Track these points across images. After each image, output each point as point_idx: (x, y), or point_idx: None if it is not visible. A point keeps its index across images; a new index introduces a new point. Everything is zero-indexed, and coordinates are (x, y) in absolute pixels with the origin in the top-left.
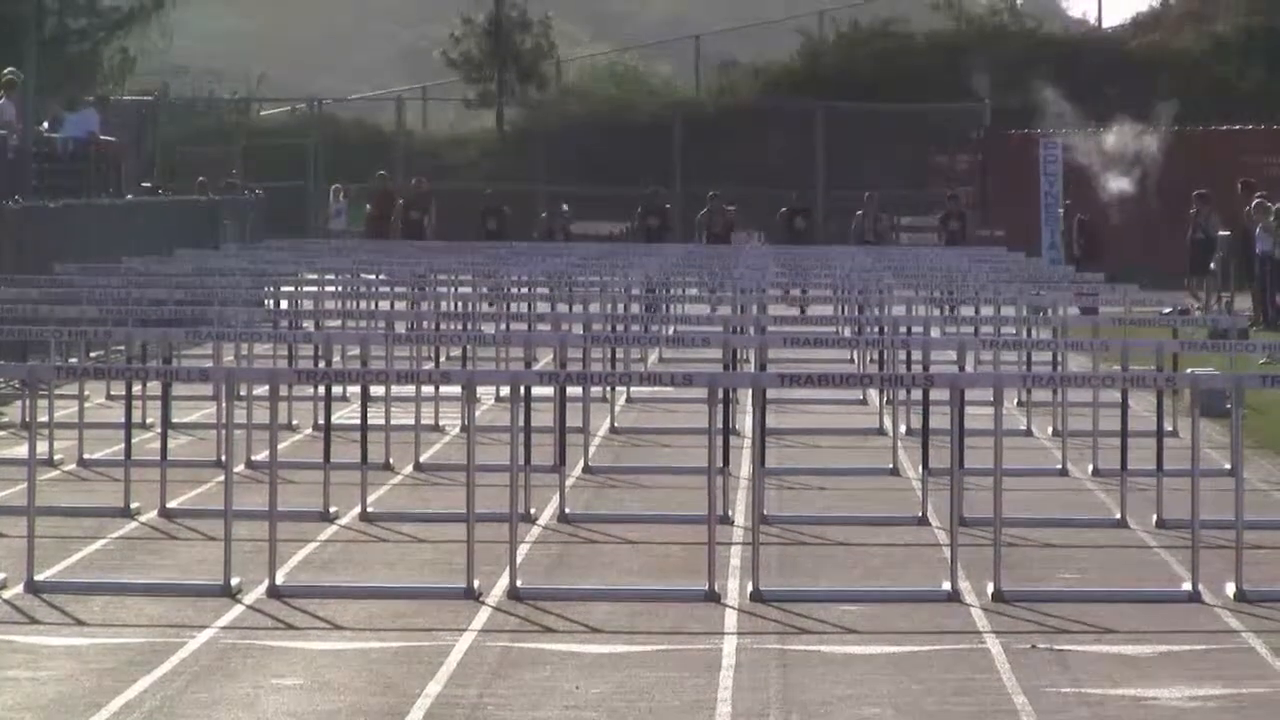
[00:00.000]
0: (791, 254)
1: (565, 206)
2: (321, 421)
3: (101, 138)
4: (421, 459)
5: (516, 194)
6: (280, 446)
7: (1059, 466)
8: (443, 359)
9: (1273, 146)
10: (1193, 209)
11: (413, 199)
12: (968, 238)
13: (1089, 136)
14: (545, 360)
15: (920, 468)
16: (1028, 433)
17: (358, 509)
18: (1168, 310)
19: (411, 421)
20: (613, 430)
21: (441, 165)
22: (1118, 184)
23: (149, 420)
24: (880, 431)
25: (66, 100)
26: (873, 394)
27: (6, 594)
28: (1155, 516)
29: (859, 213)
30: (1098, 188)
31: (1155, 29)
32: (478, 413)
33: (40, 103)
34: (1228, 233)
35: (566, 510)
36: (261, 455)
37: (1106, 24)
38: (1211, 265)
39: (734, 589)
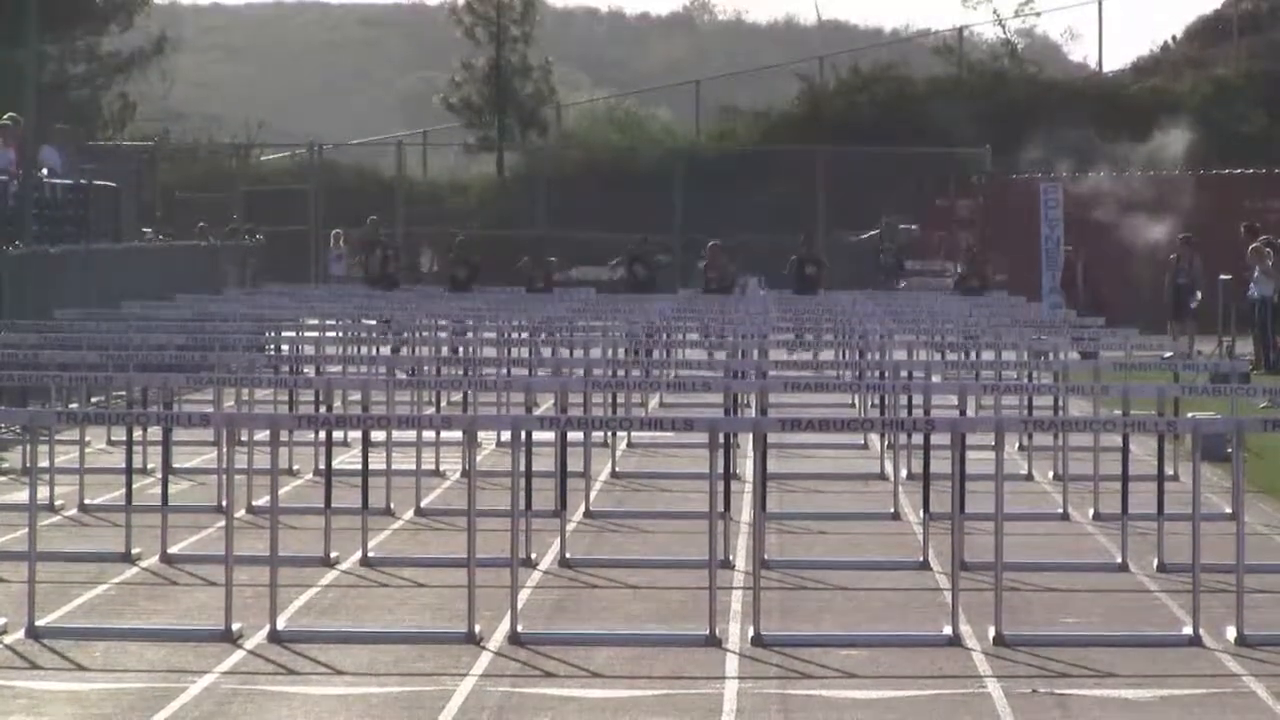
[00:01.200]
0: (793, 300)
1: (552, 259)
2: (322, 466)
3: (79, 181)
4: (422, 504)
5: (517, 240)
6: (281, 492)
7: (1060, 511)
8: (443, 404)
9: (1274, 191)
10: (1173, 254)
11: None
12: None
13: (1093, 180)
14: (546, 405)
15: (921, 512)
16: (1029, 477)
17: (359, 554)
18: (1169, 354)
19: (412, 467)
20: (614, 475)
21: (442, 210)
22: (1140, 229)
23: (150, 465)
24: (881, 476)
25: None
26: (874, 438)
27: (7, 639)
28: (1156, 560)
29: (881, 249)
30: (1108, 233)
31: (1156, 73)
32: (479, 458)
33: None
34: (1229, 276)
35: (567, 555)
36: (262, 500)
37: (1107, 68)
38: (1193, 305)
39: (735, 633)
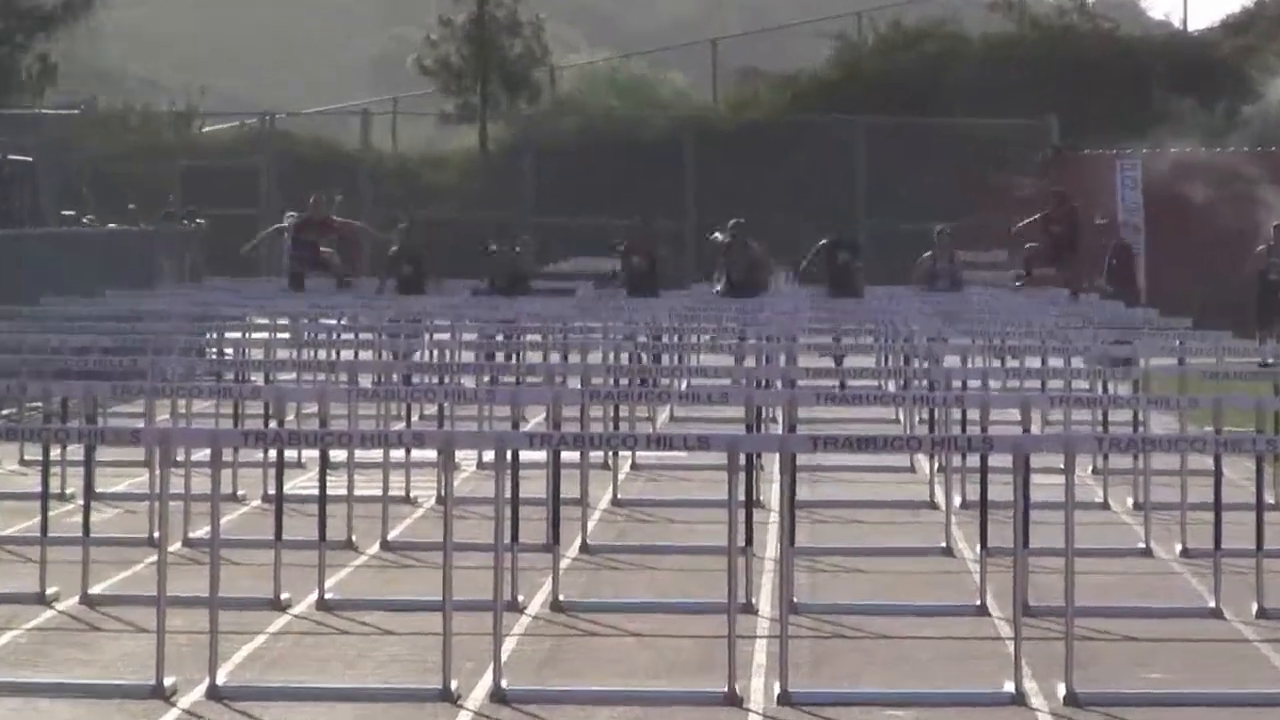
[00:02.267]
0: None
1: (521, 243)
2: (272, 492)
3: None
4: (389, 536)
5: (502, 224)
6: (224, 521)
7: (1141, 545)
8: (415, 418)
9: None
10: (1261, 245)
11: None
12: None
13: (1178, 155)
14: (536, 419)
15: (978, 546)
16: (1104, 505)
17: (314, 595)
18: (1271, 361)
19: (378, 492)
20: (615, 502)
21: (416, 189)
22: (1233, 212)
23: (70, 490)
24: (931, 504)
25: None
26: (922, 460)
27: None
28: (1255, 605)
29: (927, 254)
30: (1194, 216)
31: (1248, 32)
32: (456, 481)
33: None
34: None
35: (560, 597)
36: (201, 532)
37: (1192, 27)
38: None
39: (758, 690)
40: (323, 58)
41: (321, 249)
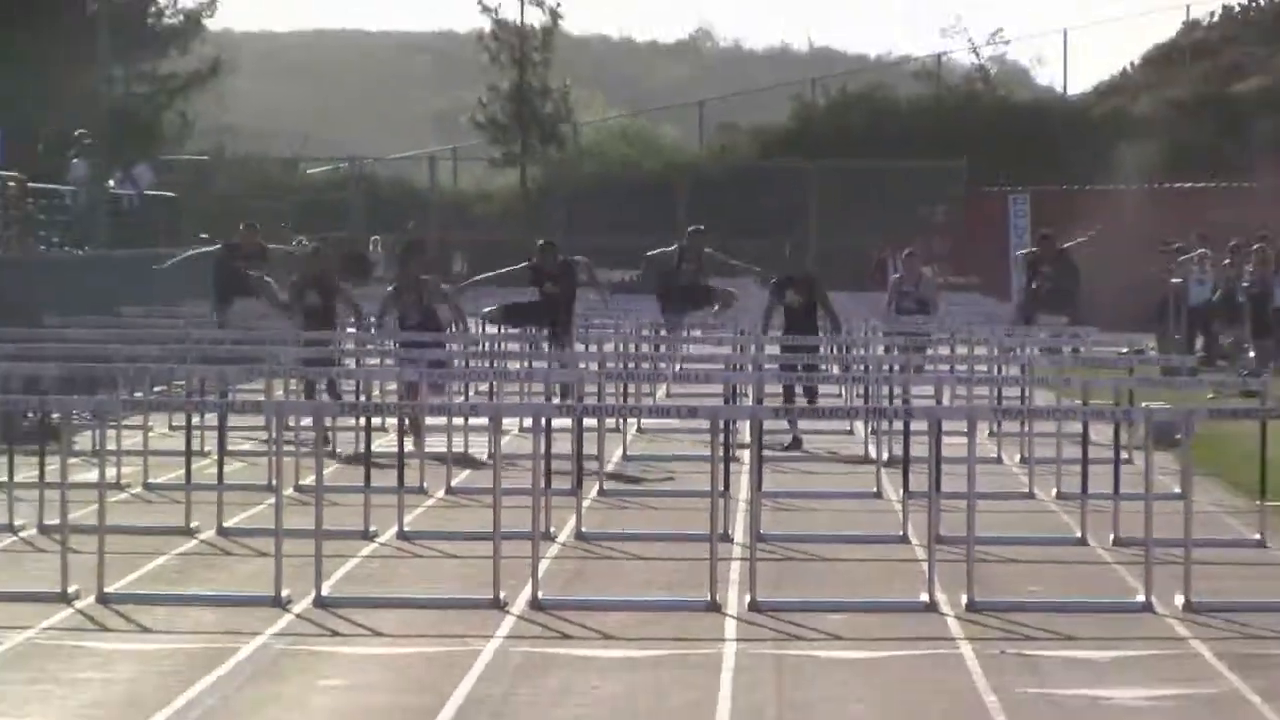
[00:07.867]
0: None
1: (411, 223)
2: (362, 450)
3: (148, 192)
4: (453, 483)
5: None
6: (325, 472)
7: (1026, 490)
8: (471, 394)
9: (1227, 202)
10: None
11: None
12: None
13: (1061, 192)
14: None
15: (901, 491)
16: (998, 460)
17: (395, 528)
18: (1125, 350)
19: (443, 450)
20: (625, 457)
21: (469, 219)
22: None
23: (207, 448)
24: (866, 459)
25: (124, 161)
26: (859, 425)
27: (80, 604)
28: (1112, 535)
29: (895, 275)
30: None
31: (1117, 96)
32: (503, 442)
33: (109, 163)
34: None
35: (583, 529)
36: (308, 480)
37: (1071, 91)
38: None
39: (734, 600)
40: (399, 115)
41: (250, 273)
